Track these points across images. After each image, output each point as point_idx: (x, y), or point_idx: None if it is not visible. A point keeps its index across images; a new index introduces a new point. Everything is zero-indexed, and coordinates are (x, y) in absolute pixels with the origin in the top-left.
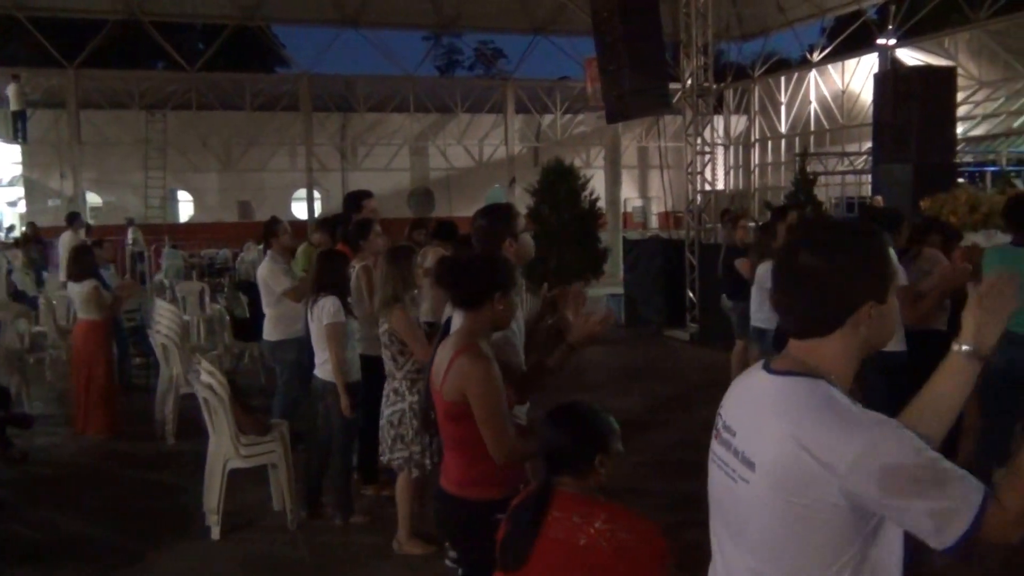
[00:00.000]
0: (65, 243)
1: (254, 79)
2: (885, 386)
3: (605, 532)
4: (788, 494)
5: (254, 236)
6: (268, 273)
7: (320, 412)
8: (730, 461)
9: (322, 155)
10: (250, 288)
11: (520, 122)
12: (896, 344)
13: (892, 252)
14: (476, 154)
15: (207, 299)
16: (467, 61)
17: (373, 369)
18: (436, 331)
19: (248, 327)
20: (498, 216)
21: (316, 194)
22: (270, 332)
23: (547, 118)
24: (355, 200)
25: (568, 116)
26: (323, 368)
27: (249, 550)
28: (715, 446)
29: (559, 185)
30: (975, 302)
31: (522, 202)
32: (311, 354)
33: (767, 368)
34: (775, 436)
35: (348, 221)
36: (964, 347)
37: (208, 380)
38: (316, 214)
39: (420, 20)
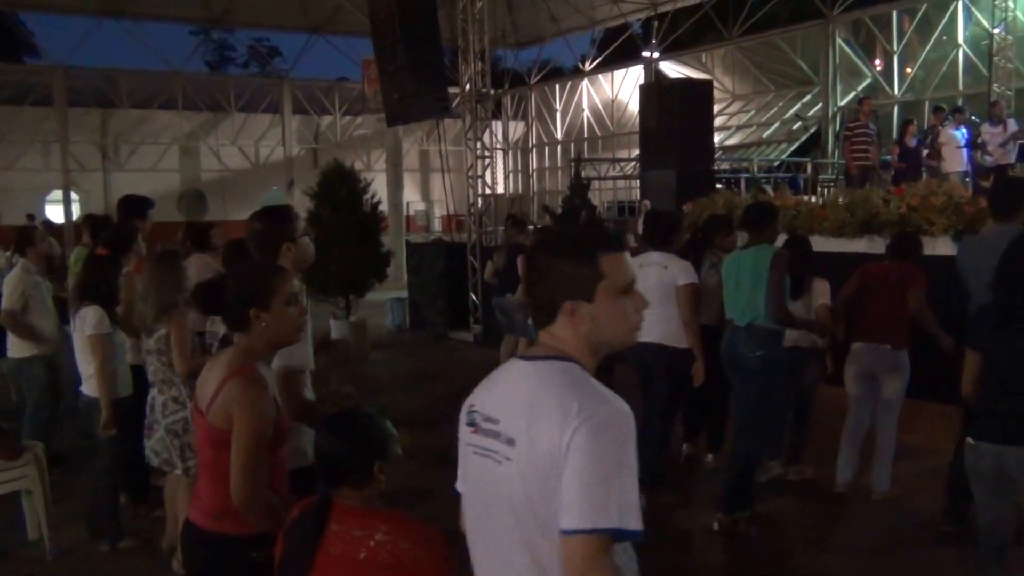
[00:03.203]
0: None
1: None
2: (670, 380)
3: (386, 544)
4: (548, 458)
5: (2, 242)
6: (13, 283)
7: (92, 430)
8: (495, 447)
9: (80, 154)
10: None
11: (298, 123)
12: (680, 341)
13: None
14: (252, 155)
15: None
16: (240, 58)
17: (143, 380)
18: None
19: None
20: (276, 219)
21: (74, 196)
22: (14, 348)
23: (326, 119)
24: (139, 207)
25: (348, 118)
26: (89, 383)
27: None
28: (475, 438)
29: (340, 188)
30: None
31: (301, 205)
32: (74, 369)
33: (522, 358)
34: (537, 410)
35: (120, 225)
36: None
37: None
38: (75, 217)
39: (187, 13)
